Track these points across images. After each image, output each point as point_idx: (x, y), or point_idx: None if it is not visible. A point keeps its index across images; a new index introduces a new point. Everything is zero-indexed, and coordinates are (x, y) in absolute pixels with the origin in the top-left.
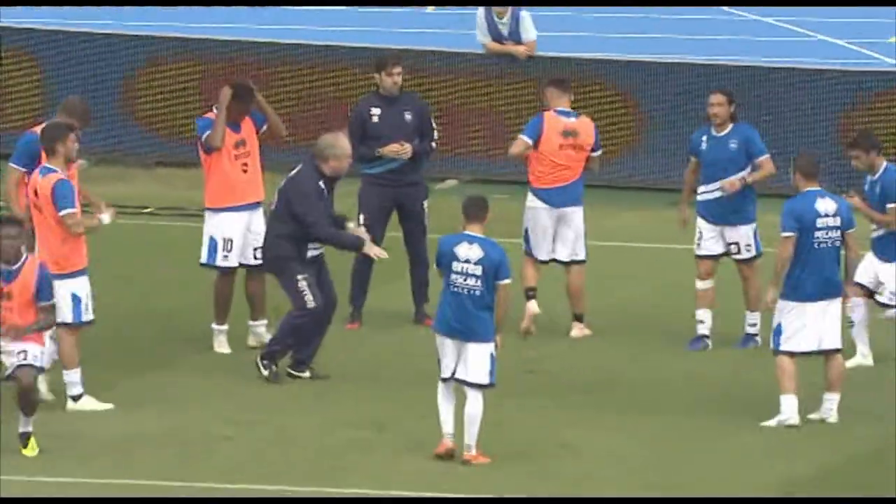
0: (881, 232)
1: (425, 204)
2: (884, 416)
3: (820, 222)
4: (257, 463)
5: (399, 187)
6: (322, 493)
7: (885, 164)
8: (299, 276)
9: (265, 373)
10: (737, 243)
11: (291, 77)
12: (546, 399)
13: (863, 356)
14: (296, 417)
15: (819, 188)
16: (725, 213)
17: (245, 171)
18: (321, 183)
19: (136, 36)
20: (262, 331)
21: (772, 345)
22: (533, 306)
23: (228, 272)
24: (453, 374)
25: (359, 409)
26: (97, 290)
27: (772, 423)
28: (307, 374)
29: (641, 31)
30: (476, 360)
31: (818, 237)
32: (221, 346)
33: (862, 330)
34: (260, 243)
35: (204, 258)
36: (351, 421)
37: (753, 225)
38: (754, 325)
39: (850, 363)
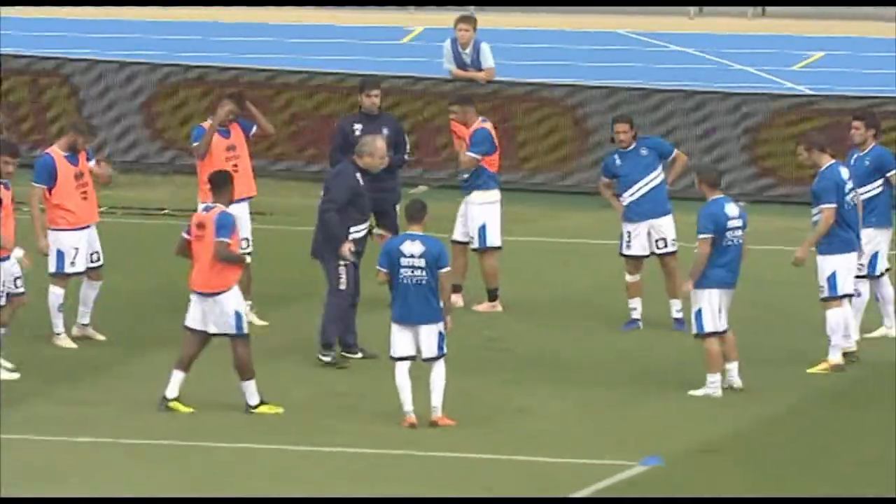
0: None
1: (397, 207)
2: (786, 385)
3: (730, 224)
4: (261, 425)
5: (376, 192)
6: (315, 450)
7: (874, 143)
8: (340, 262)
9: (327, 360)
10: (664, 238)
11: (283, 98)
12: (504, 372)
13: (887, 328)
14: (293, 386)
15: (724, 195)
16: (647, 209)
17: (235, 171)
18: (357, 175)
19: (155, 63)
20: (246, 309)
21: (695, 329)
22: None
23: None
24: (410, 356)
25: (346, 379)
26: (124, 278)
27: (699, 392)
28: (359, 354)
29: (585, 60)
30: (428, 339)
31: (728, 236)
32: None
33: (887, 305)
34: (247, 232)
35: None
36: (339, 390)
37: (672, 216)
38: (679, 310)
39: (876, 333)
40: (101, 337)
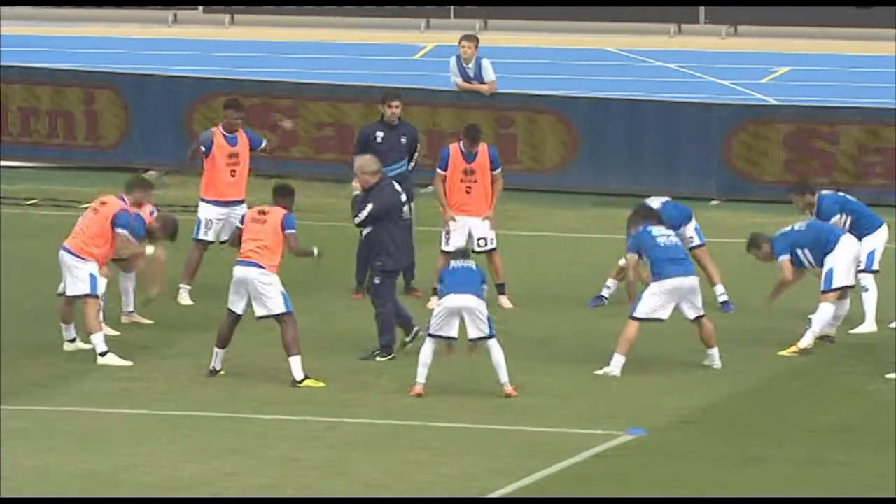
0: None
1: (412, 205)
2: (754, 364)
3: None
4: (285, 398)
5: None
6: (336, 421)
7: (814, 200)
8: None
9: (384, 359)
10: (682, 237)
11: (310, 107)
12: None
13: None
14: (313, 364)
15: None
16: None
17: (233, 176)
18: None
19: (192, 77)
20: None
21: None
22: None
23: (203, 245)
24: (448, 335)
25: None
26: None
27: (599, 372)
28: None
29: (577, 74)
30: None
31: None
32: (185, 299)
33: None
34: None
35: (194, 234)
36: (357, 368)
37: (692, 222)
38: (723, 293)
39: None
40: (147, 321)
